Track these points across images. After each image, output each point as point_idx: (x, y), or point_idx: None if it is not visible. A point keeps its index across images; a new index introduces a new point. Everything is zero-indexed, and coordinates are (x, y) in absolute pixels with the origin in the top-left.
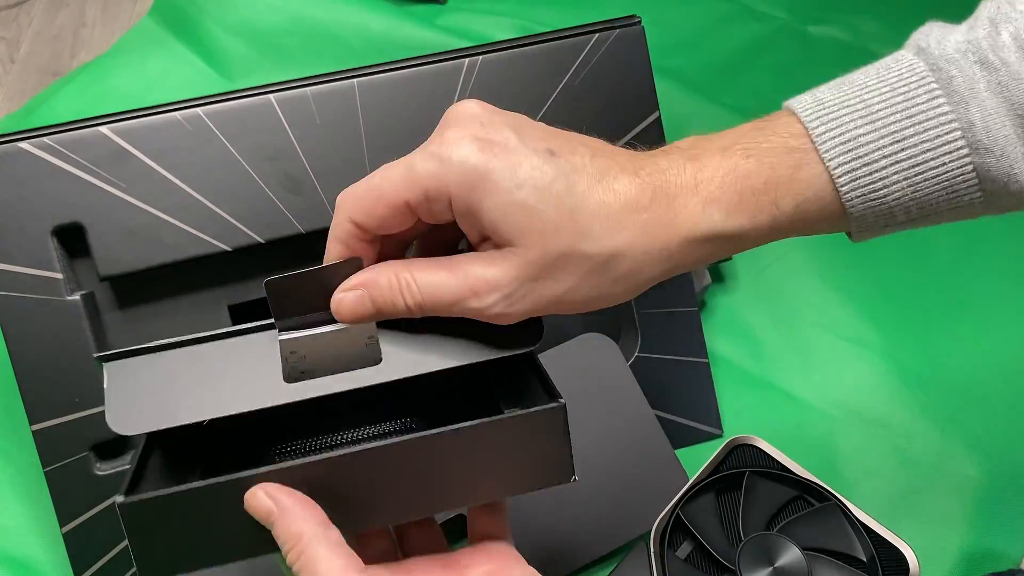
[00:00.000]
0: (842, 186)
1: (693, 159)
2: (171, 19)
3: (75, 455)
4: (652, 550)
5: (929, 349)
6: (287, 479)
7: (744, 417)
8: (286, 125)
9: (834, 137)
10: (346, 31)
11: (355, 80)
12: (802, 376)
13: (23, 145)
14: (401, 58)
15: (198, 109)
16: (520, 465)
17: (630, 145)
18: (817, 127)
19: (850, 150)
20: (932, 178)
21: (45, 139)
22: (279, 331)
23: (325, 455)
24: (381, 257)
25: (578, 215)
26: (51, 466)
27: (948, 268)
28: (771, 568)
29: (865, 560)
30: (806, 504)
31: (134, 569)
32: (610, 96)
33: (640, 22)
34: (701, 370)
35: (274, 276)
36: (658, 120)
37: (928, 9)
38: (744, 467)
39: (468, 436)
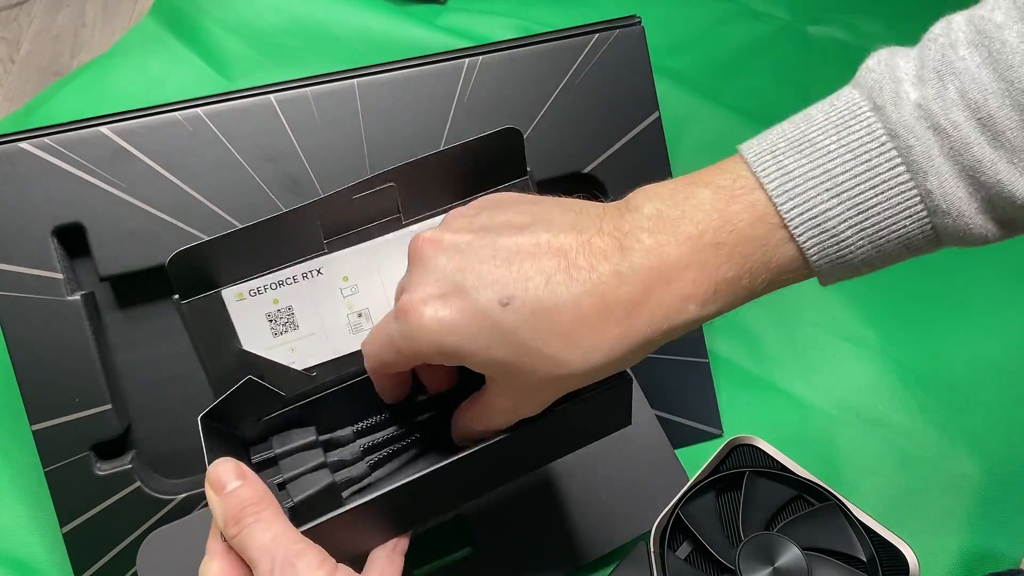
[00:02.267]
0: (812, 256)
1: (658, 250)
2: (171, 19)
3: (75, 455)
4: (652, 550)
5: (929, 349)
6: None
7: (744, 417)
8: (286, 125)
9: (803, 213)
10: (346, 31)
11: (355, 80)
12: (802, 376)
13: (23, 145)
14: (401, 58)
15: (198, 109)
16: (594, 428)
17: (632, 144)
18: (785, 203)
19: (818, 224)
20: (895, 239)
21: (45, 139)
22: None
23: (447, 462)
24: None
25: (547, 347)
26: (51, 466)
27: (948, 268)
28: (771, 568)
29: (865, 560)
30: (806, 504)
31: (134, 569)
32: (610, 96)
33: (640, 22)
34: (701, 370)
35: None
36: (658, 120)
37: (928, 9)
38: (744, 467)
39: (561, 413)
